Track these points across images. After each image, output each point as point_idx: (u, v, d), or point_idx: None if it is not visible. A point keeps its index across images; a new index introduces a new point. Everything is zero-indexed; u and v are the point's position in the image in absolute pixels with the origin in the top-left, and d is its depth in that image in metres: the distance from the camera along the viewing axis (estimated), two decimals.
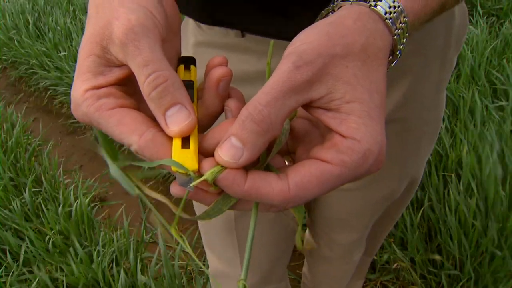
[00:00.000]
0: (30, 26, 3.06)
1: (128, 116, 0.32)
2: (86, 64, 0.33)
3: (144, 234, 1.57)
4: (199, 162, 0.31)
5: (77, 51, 2.65)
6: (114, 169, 0.35)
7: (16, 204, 1.64)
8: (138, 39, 0.31)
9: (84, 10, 3.15)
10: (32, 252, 1.53)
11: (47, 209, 1.54)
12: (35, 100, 2.95)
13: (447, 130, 1.62)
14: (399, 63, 0.39)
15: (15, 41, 3.01)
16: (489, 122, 1.58)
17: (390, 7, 0.35)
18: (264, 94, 0.30)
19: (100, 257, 1.34)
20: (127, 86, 0.34)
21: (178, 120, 0.31)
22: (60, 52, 2.73)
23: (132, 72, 0.32)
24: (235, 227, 0.82)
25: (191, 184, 0.31)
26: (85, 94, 0.32)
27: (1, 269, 1.48)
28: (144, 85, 0.31)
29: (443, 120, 1.66)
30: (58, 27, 2.94)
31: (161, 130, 0.32)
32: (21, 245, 1.52)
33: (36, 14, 3.20)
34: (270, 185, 0.31)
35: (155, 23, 0.33)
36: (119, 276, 1.28)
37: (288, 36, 0.54)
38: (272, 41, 0.38)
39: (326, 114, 0.32)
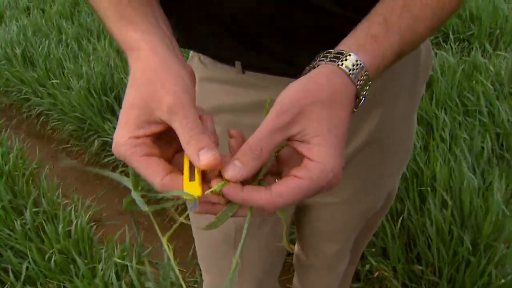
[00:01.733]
0: (19, 55, 3.14)
1: (154, 162, 0.44)
2: (132, 118, 0.45)
3: (140, 252, 1.66)
4: (203, 190, 0.44)
5: (69, 78, 2.74)
6: (135, 195, 0.47)
7: (17, 224, 1.71)
8: (184, 108, 0.44)
9: (76, 39, 3.25)
10: (33, 270, 1.60)
11: (49, 229, 1.62)
12: (27, 126, 3.02)
13: (421, 148, 1.75)
14: (372, 97, 0.53)
15: (6, 70, 3.09)
16: (461, 140, 1.72)
17: (353, 65, 0.48)
18: (258, 133, 0.45)
19: (102, 272, 1.42)
20: (159, 138, 0.47)
21: (208, 156, 0.43)
22: (52, 80, 2.82)
23: (164, 129, 0.46)
24: (234, 243, 0.89)
25: (207, 191, 0.44)
26: (127, 140, 0.45)
27: None
28: (186, 136, 0.44)
29: (418, 139, 1.80)
30: (51, 56, 3.04)
31: (175, 173, 0.44)
32: (23, 264, 1.59)
33: (24, 44, 3.28)
34: (259, 194, 0.44)
35: (190, 91, 0.46)
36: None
37: (283, 73, 0.66)
38: (269, 97, 0.51)
39: (300, 144, 0.45)
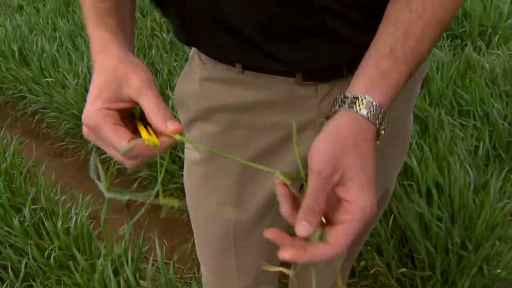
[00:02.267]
0: (16, 53, 3.14)
1: (121, 129, 0.53)
2: (104, 93, 0.54)
3: (141, 247, 1.68)
4: None
5: (63, 76, 2.74)
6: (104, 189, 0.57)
7: (16, 221, 1.72)
8: (152, 89, 0.54)
9: (69, 37, 3.25)
10: (33, 266, 1.61)
11: (48, 225, 1.63)
12: (22, 124, 3.02)
13: (417, 145, 1.78)
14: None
15: (3, 67, 3.08)
16: (456, 138, 1.75)
17: (370, 107, 0.54)
18: (310, 195, 0.51)
19: (101, 267, 1.44)
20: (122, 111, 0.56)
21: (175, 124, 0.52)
22: (47, 78, 2.82)
23: (129, 106, 0.55)
24: (235, 245, 0.92)
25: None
26: (99, 109, 0.53)
27: (5, 285, 1.56)
28: (153, 109, 0.53)
29: (413, 137, 1.82)
30: (44, 54, 3.03)
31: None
32: (22, 261, 1.60)
33: (21, 41, 3.28)
34: (320, 251, 0.50)
35: (152, 79, 0.56)
36: (120, 284, 1.37)
37: (282, 72, 0.68)
38: (294, 124, 0.57)
39: (338, 188, 0.52)
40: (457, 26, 2.81)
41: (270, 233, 0.54)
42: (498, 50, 2.55)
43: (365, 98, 0.54)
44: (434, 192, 1.49)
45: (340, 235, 0.50)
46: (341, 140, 0.52)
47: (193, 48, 0.81)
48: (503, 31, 2.68)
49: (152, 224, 2.06)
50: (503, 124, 1.89)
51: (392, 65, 0.55)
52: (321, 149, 0.52)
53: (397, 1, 0.58)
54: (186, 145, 0.90)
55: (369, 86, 0.55)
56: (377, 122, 0.54)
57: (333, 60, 0.68)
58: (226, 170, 0.83)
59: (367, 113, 0.53)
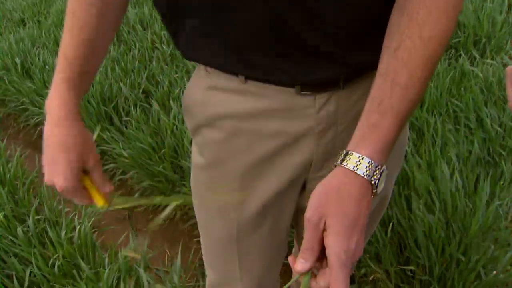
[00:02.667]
0: (19, 66, 3.19)
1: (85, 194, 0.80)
2: (70, 169, 0.77)
3: (144, 256, 1.70)
4: None
5: None
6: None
7: (20, 231, 1.75)
8: (99, 166, 0.82)
9: None
10: (35, 276, 1.64)
11: (52, 235, 1.66)
12: (24, 136, 3.05)
13: (412, 153, 1.81)
14: (364, 105, 0.62)
15: (6, 80, 3.12)
16: (449, 145, 1.79)
17: (357, 162, 0.60)
18: (304, 238, 0.60)
19: (106, 276, 1.47)
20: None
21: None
22: (49, 90, 2.86)
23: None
24: (237, 245, 0.95)
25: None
26: (74, 185, 0.77)
27: None
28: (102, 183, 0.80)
29: (409, 145, 1.86)
30: (47, 67, 3.08)
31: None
32: (26, 270, 1.63)
33: (23, 55, 3.33)
34: None
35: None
36: None
37: (282, 83, 0.72)
38: None
39: (325, 233, 0.59)
40: (451, 36, 2.86)
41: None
42: (493, 59, 2.60)
43: (352, 154, 0.60)
44: (435, 198, 1.52)
45: (333, 283, 0.57)
46: (327, 191, 0.60)
47: None
48: (497, 41, 2.73)
49: (154, 233, 2.09)
50: (497, 131, 1.93)
51: (379, 119, 0.61)
52: (312, 200, 0.60)
53: (387, 47, 0.63)
54: (192, 149, 0.94)
55: (359, 140, 0.62)
56: (365, 174, 0.60)
57: (327, 76, 0.73)
58: (229, 175, 0.87)
59: (354, 167, 0.60)
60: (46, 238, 1.79)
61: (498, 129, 1.93)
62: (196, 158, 0.92)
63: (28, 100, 2.95)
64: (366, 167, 0.60)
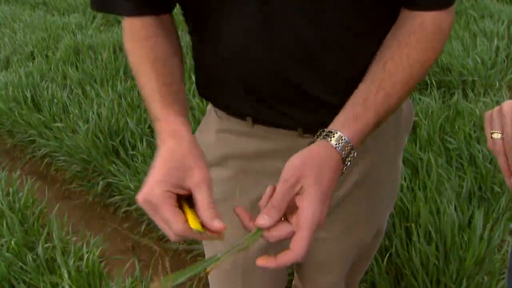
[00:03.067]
0: (29, 99, 3.30)
1: (179, 213, 0.63)
2: (169, 178, 0.63)
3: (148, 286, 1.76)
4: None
5: (75, 122, 2.89)
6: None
7: (29, 259, 1.82)
8: (207, 186, 0.64)
9: (79, 84, 3.41)
10: None
11: (61, 263, 1.73)
12: (31, 167, 3.13)
13: (408, 188, 1.90)
14: (360, 147, 0.70)
15: (16, 112, 3.22)
16: (443, 181, 1.88)
17: (339, 140, 0.67)
18: (275, 196, 0.64)
19: None
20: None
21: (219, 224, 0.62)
22: (57, 123, 2.96)
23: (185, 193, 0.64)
24: (242, 277, 1.02)
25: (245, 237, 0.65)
26: (163, 192, 0.62)
27: None
28: (206, 206, 0.63)
29: (405, 179, 1.95)
30: (55, 100, 3.19)
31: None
32: None
33: (32, 88, 3.44)
34: (287, 257, 0.63)
35: (208, 171, 0.67)
36: None
37: (287, 127, 0.81)
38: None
39: (297, 197, 0.64)
40: (445, 75, 2.99)
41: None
42: (485, 97, 2.72)
43: (336, 133, 0.68)
44: (432, 231, 1.60)
45: (298, 241, 0.62)
46: (308, 159, 0.65)
47: (209, 105, 0.95)
48: (487, 79, 2.86)
49: (161, 264, 2.15)
50: (487, 166, 2.03)
51: (363, 111, 0.70)
52: (291, 163, 0.65)
53: (378, 61, 0.74)
54: None
55: (342, 124, 0.69)
56: (343, 153, 0.67)
57: (327, 120, 0.82)
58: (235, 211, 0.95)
59: (336, 144, 0.67)
60: (54, 265, 1.86)
61: (489, 165, 2.02)
62: None
63: (37, 132, 3.04)
64: (345, 147, 0.67)
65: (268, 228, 0.64)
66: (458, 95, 2.73)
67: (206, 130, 0.94)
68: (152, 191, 0.62)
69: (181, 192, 0.64)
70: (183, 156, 0.65)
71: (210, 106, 0.95)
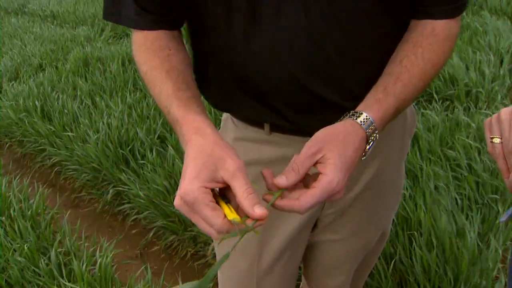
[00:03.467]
0: (38, 109, 3.37)
1: (217, 208, 0.62)
2: (203, 174, 0.63)
3: None
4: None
5: (85, 132, 2.96)
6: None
7: (42, 264, 1.88)
8: (242, 173, 0.63)
9: (89, 95, 3.48)
10: None
11: (75, 267, 1.79)
12: (40, 176, 3.19)
13: (410, 197, 1.96)
14: (372, 150, 0.76)
15: (26, 122, 3.30)
16: (442, 190, 1.94)
17: (364, 119, 0.73)
18: (297, 160, 0.68)
19: None
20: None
21: (261, 210, 0.62)
22: (68, 132, 3.03)
23: (221, 186, 0.64)
24: (256, 279, 1.06)
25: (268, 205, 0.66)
26: (199, 187, 0.62)
27: None
28: (245, 193, 0.62)
29: (407, 189, 2.01)
30: (65, 110, 3.26)
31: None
32: None
33: (43, 98, 3.53)
34: (292, 202, 0.67)
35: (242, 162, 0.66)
36: None
37: (303, 133, 0.86)
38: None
39: (320, 165, 0.68)
40: (446, 89, 3.06)
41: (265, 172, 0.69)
42: (486, 109, 2.78)
43: (362, 113, 0.73)
44: (433, 238, 1.66)
45: (308, 195, 0.66)
46: (333, 133, 0.70)
47: (224, 114, 1.00)
48: (489, 93, 2.92)
49: (168, 271, 2.20)
50: (486, 177, 2.09)
51: (384, 96, 0.76)
52: (316, 135, 0.70)
53: (394, 59, 0.81)
54: None
55: (366, 107, 0.75)
56: (368, 131, 0.72)
57: None
58: None
59: (361, 122, 0.72)
60: (65, 270, 1.91)
61: (487, 176, 2.08)
62: None
63: (47, 141, 3.11)
64: (369, 126, 0.73)
65: (289, 191, 0.68)
66: (459, 108, 2.79)
67: (223, 137, 0.99)
68: (188, 191, 0.61)
69: (216, 185, 0.64)
70: (212, 149, 0.65)
71: (225, 116, 1.01)
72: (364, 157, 0.74)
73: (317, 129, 0.79)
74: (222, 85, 0.89)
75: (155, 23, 0.82)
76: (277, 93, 0.84)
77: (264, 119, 0.90)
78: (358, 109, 0.76)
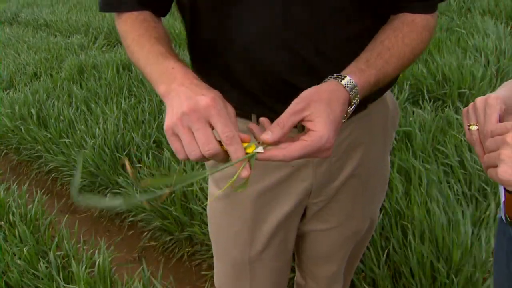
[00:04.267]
0: (34, 116, 3.40)
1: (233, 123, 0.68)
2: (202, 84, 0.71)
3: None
4: None
5: (81, 138, 2.98)
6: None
7: (41, 267, 1.90)
8: (223, 108, 0.68)
9: (84, 102, 3.52)
10: None
11: (74, 269, 1.81)
12: (37, 183, 3.21)
13: (402, 192, 2.00)
14: (353, 140, 0.79)
15: (22, 129, 3.32)
16: (433, 185, 1.98)
17: (347, 82, 0.76)
18: (283, 115, 0.70)
19: None
20: None
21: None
22: (64, 139, 3.06)
23: None
24: (249, 266, 1.11)
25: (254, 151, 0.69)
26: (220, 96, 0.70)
27: None
28: (223, 137, 0.66)
29: (400, 185, 2.05)
30: (61, 117, 3.29)
31: None
32: None
33: (38, 105, 3.55)
34: (279, 151, 0.69)
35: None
36: None
37: None
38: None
39: (308, 122, 0.70)
40: (438, 89, 3.11)
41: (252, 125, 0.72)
42: None
43: (345, 77, 0.76)
44: (427, 231, 1.70)
45: (294, 147, 0.68)
46: (319, 92, 0.73)
47: None
48: (478, 92, 2.97)
49: (165, 271, 2.22)
50: (477, 170, 2.13)
51: (366, 68, 0.80)
52: (303, 93, 0.72)
53: (375, 40, 0.85)
54: (209, 183, 1.12)
55: (350, 72, 0.78)
56: (351, 93, 0.75)
57: None
58: (243, 203, 1.05)
59: (345, 84, 0.75)
60: (63, 273, 1.93)
61: (478, 167, 2.13)
62: (213, 189, 1.10)
63: (44, 148, 3.13)
64: (352, 89, 0.76)
65: (275, 145, 0.69)
66: (450, 107, 2.84)
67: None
68: (217, 97, 0.68)
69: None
70: (207, 87, 0.71)
71: None
72: (345, 120, 0.77)
73: None
74: (209, 77, 0.93)
75: (140, 3, 0.87)
76: (263, 86, 0.88)
77: (251, 110, 0.94)
78: (343, 72, 0.78)
